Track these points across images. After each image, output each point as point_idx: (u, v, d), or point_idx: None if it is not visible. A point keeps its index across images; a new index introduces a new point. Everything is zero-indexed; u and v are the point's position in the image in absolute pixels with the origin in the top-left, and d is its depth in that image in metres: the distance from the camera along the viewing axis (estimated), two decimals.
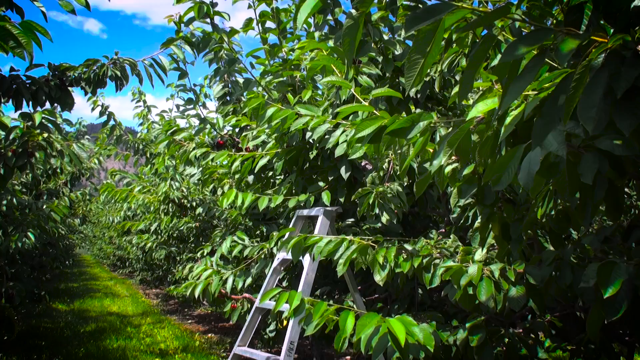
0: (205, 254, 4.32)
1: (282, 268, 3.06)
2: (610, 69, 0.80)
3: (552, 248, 1.64)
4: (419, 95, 2.59)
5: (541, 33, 0.86)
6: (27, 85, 2.68)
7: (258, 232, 3.71)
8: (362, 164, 2.91)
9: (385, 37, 2.64)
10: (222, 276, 3.20)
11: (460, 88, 0.99)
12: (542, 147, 0.90)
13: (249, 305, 3.29)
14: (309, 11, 1.04)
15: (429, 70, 2.20)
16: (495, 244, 1.82)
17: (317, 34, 2.86)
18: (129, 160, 5.56)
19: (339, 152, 2.36)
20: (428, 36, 0.87)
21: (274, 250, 3.04)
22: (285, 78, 3.00)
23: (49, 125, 2.78)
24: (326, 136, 2.44)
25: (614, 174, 1.05)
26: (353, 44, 1.05)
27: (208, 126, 3.79)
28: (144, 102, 5.50)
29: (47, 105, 2.77)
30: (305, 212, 2.88)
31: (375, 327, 1.60)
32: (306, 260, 2.62)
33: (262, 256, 3.21)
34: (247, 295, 3.32)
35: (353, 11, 1.05)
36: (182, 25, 3.13)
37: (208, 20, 3.14)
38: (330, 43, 2.65)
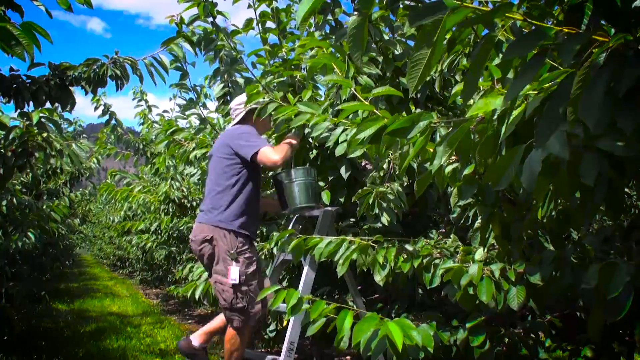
0: None
1: (283, 268, 3.06)
2: (612, 69, 0.80)
3: (552, 248, 1.64)
4: (419, 95, 2.58)
5: (542, 33, 0.86)
6: (27, 85, 2.67)
7: (258, 232, 3.70)
8: (362, 164, 2.91)
9: (386, 37, 2.64)
10: None
11: (464, 90, 0.99)
12: (545, 148, 0.89)
13: None
14: (309, 5, 1.03)
15: None
16: (495, 244, 1.82)
17: (317, 34, 2.85)
18: (129, 160, 5.56)
19: (339, 151, 2.36)
20: (430, 36, 0.87)
21: (274, 250, 3.04)
22: (285, 78, 3.00)
23: (49, 124, 2.78)
24: (325, 133, 2.44)
25: (614, 174, 1.05)
26: (360, 43, 1.05)
27: (208, 126, 3.79)
28: (146, 101, 5.49)
29: (48, 104, 2.77)
30: (305, 212, 2.87)
31: (373, 330, 1.61)
32: (306, 260, 2.62)
33: (262, 256, 3.21)
34: None
35: (356, 12, 1.05)
36: (184, 25, 3.13)
37: (210, 19, 3.14)
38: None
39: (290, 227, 2.89)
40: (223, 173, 2.66)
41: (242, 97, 2.79)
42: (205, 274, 3.24)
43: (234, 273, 2.55)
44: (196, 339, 2.74)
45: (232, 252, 2.56)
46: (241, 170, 2.66)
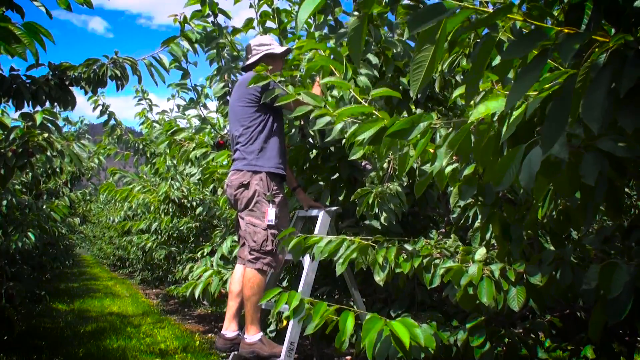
0: (205, 254, 4.32)
1: (283, 268, 3.06)
2: (613, 69, 0.80)
3: (552, 248, 1.64)
4: (419, 96, 2.58)
5: (541, 33, 0.86)
6: (27, 85, 2.67)
7: None
8: (362, 164, 2.91)
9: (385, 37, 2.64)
10: (223, 276, 3.20)
11: (465, 92, 0.99)
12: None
13: None
14: (310, 11, 1.03)
15: None
16: (495, 244, 1.82)
17: (317, 34, 2.86)
18: (129, 160, 5.56)
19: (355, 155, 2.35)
20: (431, 39, 0.87)
21: None
22: (285, 78, 2.99)
23: (50, 125, 2.78)
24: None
25: (614, 174, 1.05)
26: (359, 44, 1.05)
27: (208, 126, 3.79)
28: (147, 100, 5.47)
29: (47, 104, 2.77)
30: (305, 212, 2.88)
31: (379, 332, 1.61)
32: (306, 260, 2.61)
33: None
34: None
35: (356, 13, 1.05)
36: (187, 24, 3.14)
37: (211, 19, 3.15)
38: (331, 43, 2.64)
39: (290, 226, 2.89)
40: (249, 120, 2.73)
41: (262, 39, 2.90)
42: (206, 274, 3.25)
43: (272, 214, 2.66)
44: (228, 330, 2.74)
45: (268, 194, 2.66)
46: (267, 114, 2.74)
